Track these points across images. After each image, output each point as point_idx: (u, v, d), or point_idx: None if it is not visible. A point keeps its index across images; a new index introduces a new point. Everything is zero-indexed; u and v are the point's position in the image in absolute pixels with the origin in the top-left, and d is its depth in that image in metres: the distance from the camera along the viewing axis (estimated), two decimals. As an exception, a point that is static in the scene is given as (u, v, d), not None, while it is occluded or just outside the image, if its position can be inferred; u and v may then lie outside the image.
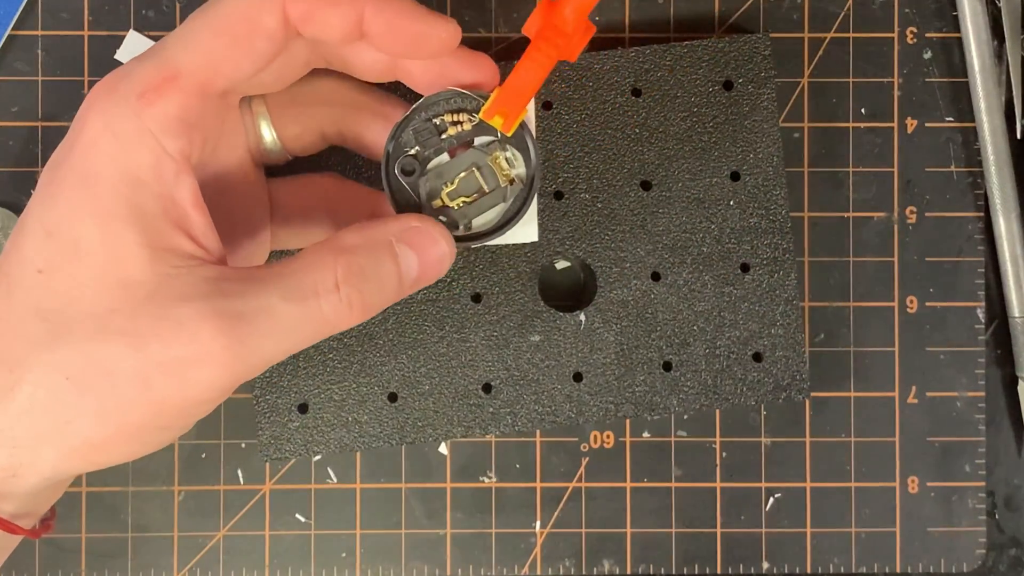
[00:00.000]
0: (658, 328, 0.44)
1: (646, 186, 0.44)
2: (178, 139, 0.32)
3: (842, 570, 0.46)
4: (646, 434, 0.46)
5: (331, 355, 0.43)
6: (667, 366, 0.44)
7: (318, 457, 0.46)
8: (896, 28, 0.46)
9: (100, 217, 0.31)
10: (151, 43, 0.45)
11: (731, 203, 0.44)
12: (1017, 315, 0.45)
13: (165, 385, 0.31)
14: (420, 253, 0.34)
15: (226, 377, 0.31)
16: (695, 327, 0.44)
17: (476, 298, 0.44)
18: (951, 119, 0.46)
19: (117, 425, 0.31)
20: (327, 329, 0.33)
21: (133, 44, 0.45)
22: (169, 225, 0.32)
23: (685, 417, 0.46)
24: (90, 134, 0.31)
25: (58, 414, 0.31)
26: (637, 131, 0.44)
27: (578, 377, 0.44)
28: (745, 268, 0.44)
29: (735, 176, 0.44)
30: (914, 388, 0.46)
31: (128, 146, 0.31)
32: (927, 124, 0.46)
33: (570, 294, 0.45)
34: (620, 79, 0.44)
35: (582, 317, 0.44)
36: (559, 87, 0.43)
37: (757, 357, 0.44)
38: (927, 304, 0.46)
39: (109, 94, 0.32)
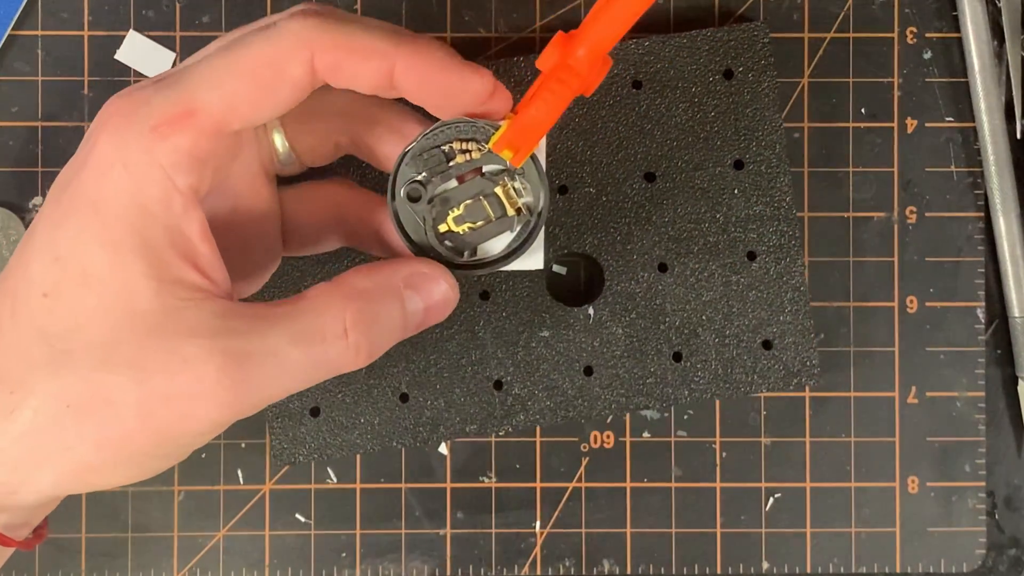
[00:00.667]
0: (667, 319, 0.44)
1: (650, 178, 0.44)
2: (188, 175, 0.31)
3: (842, 570, 0.46)
4: (646, 434, 0.46)
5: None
6: (677, 357, 0.44)
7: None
8: (896, 28, 0.46)
9: (109, 245, 0.31)
10: (151, 43, 0.45)
11: (735, 192, 0.44)
12: (1017, 315, 0.46)
13: (166, 417, 0.31)
14: (426, 298, 0.34)
15: (227, 414, 0.31)
16: (704, 317, 0.44)
17: (484, 295, 0.44)
18: (951, 119, 0.46)
19: (116, 453, 0.31)
20: (331, 372, 0.33)
21: (133, 44, 0.45)
22: (177, 257, 0.31)
23: (685, 417, 0.46)
24: (100, 160, 0.31)
25: (58, 439, 0.31)
26: (639, 123, 0.44)
27: (589, 371, 0.44)
28: (752, 256, 0.44)
29: (739, 165, 0.44)
30: (914, 388, 0.46)
31: (137, 177, 0.31)
32: (927, 124, 0.46)
33: (578, 288, 0.45)
34: (620, 71, 0.44)
35: (590, 311, 0.44)
36: None
37: (767, 345, 0.44)
38: (927, 304, 0.46)
39: (123, 120, 0.31)
